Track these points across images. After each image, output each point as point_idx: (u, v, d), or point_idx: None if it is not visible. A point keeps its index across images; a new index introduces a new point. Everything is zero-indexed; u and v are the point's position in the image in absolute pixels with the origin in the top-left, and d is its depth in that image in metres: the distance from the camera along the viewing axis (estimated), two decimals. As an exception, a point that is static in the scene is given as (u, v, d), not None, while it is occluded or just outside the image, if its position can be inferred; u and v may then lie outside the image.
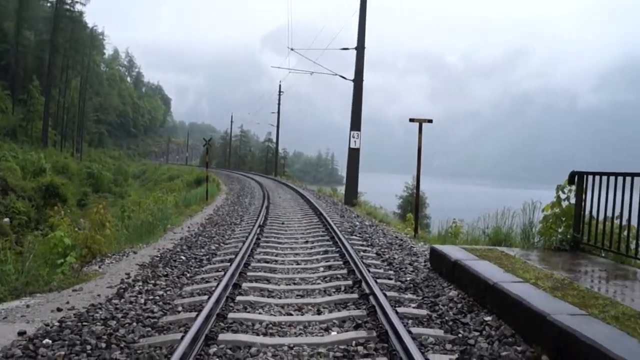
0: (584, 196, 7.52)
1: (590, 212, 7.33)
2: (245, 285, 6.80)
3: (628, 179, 6.38)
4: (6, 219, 25.05)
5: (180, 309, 5.89)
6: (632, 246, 6.73)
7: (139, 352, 4.53)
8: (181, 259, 9.03)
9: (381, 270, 7.91)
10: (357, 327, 5.18)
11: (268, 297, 6.43)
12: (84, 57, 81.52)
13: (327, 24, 34.63)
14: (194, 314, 5.36)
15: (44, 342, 4.65)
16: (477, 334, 4.86)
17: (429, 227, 20.81)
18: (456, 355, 4.39)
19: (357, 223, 14.39)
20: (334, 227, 11.75)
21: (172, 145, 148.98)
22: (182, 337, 4.45)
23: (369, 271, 7.14)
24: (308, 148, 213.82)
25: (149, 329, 5.18)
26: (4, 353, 4.39)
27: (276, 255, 9.27)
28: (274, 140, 74.91)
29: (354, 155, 23.11)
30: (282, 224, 13.85)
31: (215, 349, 4.57)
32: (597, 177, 7.10)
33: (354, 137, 22.57)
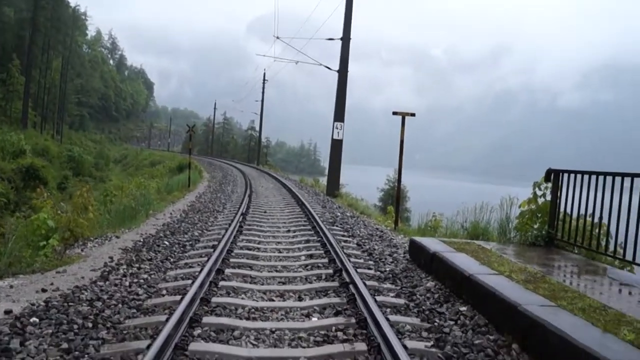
0: (559, 193, 7.76)
1: (565, 209, 7.57)
2: (228, 271, 6.95)
3: (601, 178, 6.61)
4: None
5: (164, 292, 6.02)
6: (603, 243, 7.01)
7: (124, 332, 4.66)
8: (164, 244, 9.14)
9: (361, 261, 8.10)
10: (337, 314, 5.36)
11: (250, 283, 6.58)
12: (66, 37, 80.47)
13: (313, 13, 34.57)
14: (178, 297, 5.50)
15: (31, 320, 4.77)
16: (452, 323, 5.07)
17: (409, 221, 21.02)
18: (431, 342, 4.59)
19: (339, 214, 14.57)
20: (316, 217, 11.92)
21: (154, 130, 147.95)
22: (167, 319, 4.59)
23: (349, 261, 7.32)
24: (291, 138, 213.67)
25: (134, 310, 5.31)
26: (-7, 329, 4.49)
27: (258, 243, 9.42)
28: (257, 128, 74.86)
29: (337, 146, 23.23)
30: (265, 212, 13.98)
31: (199, 331, 4.72)
32: (572, 175, 7.34)
33: (337, 128, 22.68)
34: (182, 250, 8.72)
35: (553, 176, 7.93)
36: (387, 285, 6.60)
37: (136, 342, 4.40)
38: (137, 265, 7.39)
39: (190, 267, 7.32)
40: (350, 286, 6.04)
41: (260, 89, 62.51)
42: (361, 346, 4.44)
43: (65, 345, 4.22)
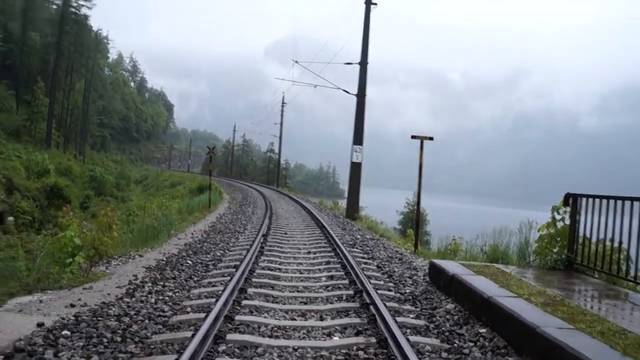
0: (577, 217, 7.80)
1: (584, 233, 7.61)
2: (250, 290, 7.09)
3: (620, 202, 6.66)
4: (11, 218, 25.31)
5: (189, 309, 6.17)
6: (624, 268, 7.03)
7: (152, 346, 4.82)
8: (188, 263, 9.32)
9: (381, 282, 8.19)
10: (358, 334, 5.46)
11: (273, 302, 6.71)
12: (89, 60, 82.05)
13: (331, 37, 35.11)
14: (202, 315, 5.64)
15: (63, 333, 4.96)
16: (471, 344, 5.14)
17: (429, 244, 21.08)
18: (451, 363, 4.67)
19: (359, 236, 14.67)
20: (336, 239, 12.03)
21: (174, 152, 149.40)
22: (193, 335, 4.73)
23: (369, 282, 7.41)
24: (310, 160, 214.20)
25: (161, 326, 5.47)
26: (26, 341, 4.68)
27: (280, 264, 9.55)
28: (276, 150, 75.38)
29: (356, 169, 23.39)
30: (285, 234, 14.13)
31: (224, 347, 4.85)
32: (591, 200, 7.39)
33: (356, 152, 22.88)
34: (205, 269, 8.88)
35: (571, 200, 7.98)
36: (407, 306, 6.69)
37: (163, 356, 4.56)
38: (161, 283, 7.57)
39: (214, 285, 7.47)
40: (371, 307, 6.14)
41: (279, 111, 63.20)
42: (382, 365, 4.54)
43: (96, 358, 4.39)
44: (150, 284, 7.47)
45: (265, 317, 6.00)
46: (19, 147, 49.66)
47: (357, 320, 5.90)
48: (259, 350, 4.87)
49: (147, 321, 5.58)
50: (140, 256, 10.46)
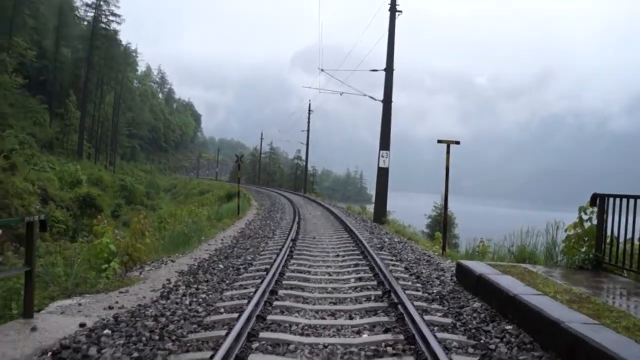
0: (605, 217, 7.83)
1: (612, 232, 7.63)
2: (281, 292, 7.28)
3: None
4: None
5: (222, 310, 6.39)
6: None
7: (188, 344, 5.04)
8: (219, 267, 9.57)
9: (409, 283, 8.31)
10: (386, 331, 5.60)
11: (303, 303, 6.89)
12: (118, 73, 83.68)
13: (356, 44, 35.17)
14: (235, 315, 5.84)
15: (104, 332, 5.23)
16: (497, 340, 5.25)
17: (457, 247, 21.03)
18: (477, 358, 4.79)
19: (386, 240, 14.78)
20: (364, 242, 12.17)
21: (202, 160, 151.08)
22: (227, 334, 4.94)
23: (397, 283, 7.55)
24: (337, 166, 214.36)
25: (196, 326, 5.69)
26: (71, 340, 4.95)
27: (309, 267, 9.73)
28: (303, 157, 75.76)
29: (383, 174, 23.50)
30: (314, 238, 14.31)
31: (257, 344, 5.04)
32: (618, 200, 7.42)
33: (383, 157, 22.99)
34: (237, 273, 9.10)
35: (599, 200, 8.01)
36: (435, 305, 6.81)
37: (200, 352, 4.77)
38: (195, 286, 7.82)
39: (245, 288, 7.68)
40: (399, 306, 6.27)
41: (305, 119, 63.51)
42: (410, 359, 4.68)
43: (136, 354, 4.62)
44: (184, 287, 7.72)
45: (296, 316, 6.18)
46: (52, 159, 50.85)
47: (386, 318, 6.04)
48: (291, 347, 5.04)
49: (182, 321, 5.81)
50: (172, 261, 10.73)
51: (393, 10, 23.24)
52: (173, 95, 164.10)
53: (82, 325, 5.49)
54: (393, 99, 23.68)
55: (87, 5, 73.54)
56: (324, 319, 6.19)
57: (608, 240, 7.79)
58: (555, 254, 9.21)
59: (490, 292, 6.50)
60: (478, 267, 7.64)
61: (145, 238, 12.29)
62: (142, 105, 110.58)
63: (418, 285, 8.20)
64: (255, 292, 6.68)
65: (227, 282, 8.30)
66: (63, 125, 63.79)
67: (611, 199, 7.68)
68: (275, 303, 6.62)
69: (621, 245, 7.38)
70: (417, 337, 5.11)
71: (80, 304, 6.75)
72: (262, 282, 7.32)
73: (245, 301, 6.50)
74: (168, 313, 6.11)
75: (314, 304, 6.87)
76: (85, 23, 76.28)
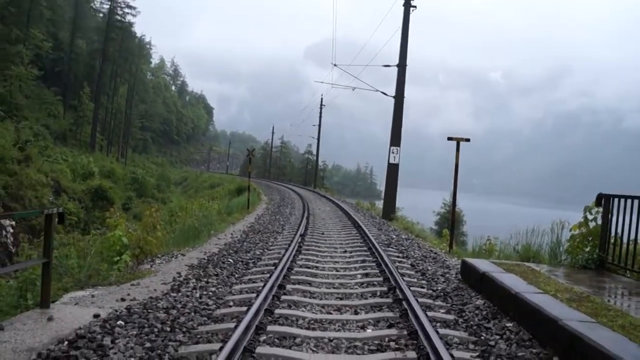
0: (610, 217, 7.92)
1: (616, 233, 7.73)
2: (289, 286, 7.46)
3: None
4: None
5: (231, 303, 6.58)
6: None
7: (198, 336, 5.23)
8: (229, 261, 9.76)
9: (414, 280, 8.47)
10: (390, 326, 5.77)
11: (310, 297, 7.07)
12: (132, 65, 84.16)
13: (370, 39, 35.23)
14: (244, 308, 6.03)
15: (118, 323, 5.43)
16: (498, 337, 5.40)
17: (465, 244, 21.13)
18: (477, 354, 4.95)
19: (394, 236, 14.92)
20: (372, 239, 12.32)
21: (213, 153, 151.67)
22: (236, 327, 5.12)
23: (403, 279, 7.71)
24: (347, 161, 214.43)
25: (206, 318, 5.89)
26: (86, 330, 5.15)
27: (317, 262, 9.91)
28: (314, 152, 75.90)
29: (393, 170, 23.61)
30: (322, 234, 14.48)
31: (265, 337, 5.23)
32: (623, 200, 7.52)
33: (393, 153, 23.10)
34: (246, 267, 9.30)
35: (604, 201, 8.11)
36: (439, 302, 6.97)
37: (209, 344, 4.96)
38: (205, 279, 8.02)
39: (254, 282, 7.87)
40: (403, 302, 6.43)
41: (317, 113, 63.65)
42: (411, 354, 4.85)
43: (148, 345, 4.82)
44: (194, 281, 7.91)
45: (302, 310, 6.36)
46: (65, 151, 51.35)
47: (390, 314, 6.21)
48: (297, 340, 5.22)
49: (193, 314, 6.00)
50: (183, 255, 10.92)
51: (407, 5, 23.26)
52: (186, 87, 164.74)
53: (96, 316, 5.70)
54: (405, 95, 23.76)
55: (103, -4, 74.15)
56: (330, 313, 6.36)
57: (612, 240, 7.90)
58: (560, 253, 9.32)
59: (493, 289, 6.65)
60: (482, 265, 7.78)
61: (156, 231, 12.52)
62: (155, 98, 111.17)
63: (423, 282, 8.36)
64: (263, 287, 6.86)
65: (237, 276, 8.50)
66: (76, 117, 64.29)
67: (616, 200, 7.77)
68: (283, 297, 6.80)
69: (625, 246, 7.48)
70: (419, 332, 5.26)
71: (93, 296, 6.95)
72: (270, 277, 7.50)
73: (254, 295, 6.69)
74: (179, 305, 6.30)
75: (321, 299, 7.05)
76: (101, 15, 76.84)
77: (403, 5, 23.34)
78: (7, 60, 44.28)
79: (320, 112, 63.03)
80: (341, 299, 7.15)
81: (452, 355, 4.57)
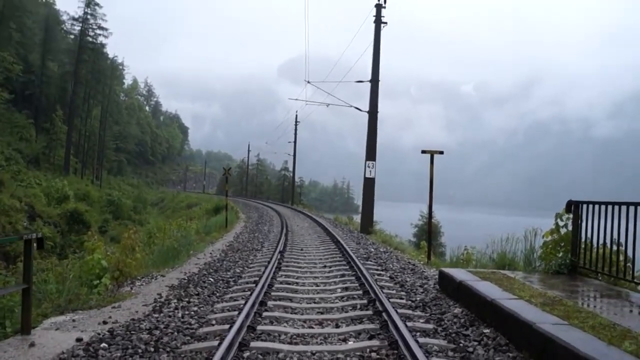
0: (579, 223, 8.17)
1: (586, 238, 7.98)
2: (270, 303, 7.54)
3: (617, 207, 7.03)
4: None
5: (214, 322, 6.64)
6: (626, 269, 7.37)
7: (182, 355, 5.29)
8: (209, 280, 9.80)
9: (394, 291, 8.61)
10: (371, 338, 5.89)
11: (291, 313, 7.16)
12: (105, 87, 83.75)
13: (343, 55, 35.64)
14: (227, 326, 6.09)
15: (101, 345, 5.46)
16: (475, 343, 5.56)
17: (443, 255, 21.35)
18: (456, 360, 5.09)
19: (373, 250, 15.07)
20: (350, 253, 12.45)
21: (190, 173, 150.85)
22: (219, 344, 5.20)
23: (382, 292, 7.84)
24: (324, 177, 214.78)
25: (189, 337, 5.94)
26: (69, 354, 5.18)
27: (297, 278, 10.00)
28: (290, 169, 76.02)
29: (369, 184, 23.83)
30: (301, 250, 14.57)
31: (248, 353, 5.31)
32: (591, 206, 7.77)
33: (369, 167, 23.33)
34: (226, 285, 9.35)
35: (573, 207, 8.37)
36: (418, 312, 7.11)
37: (194, 362, 5.01)
38: (186, 299, 8.05)
39: (235, 300, 7.93)
40: (383, 314, 6.56)
41: (292, 130, 63.90)
42: (393, 363, 4.96)
43: (133, 366, 4.86)
44: (175, 301, 7.94)
45: (284, 326, 6.44)
46: (39, 175, 50.80)
47: (371, 326, 6.33)
48: (280, 355, 5.31)
49: (176, 333, 6.05)
50: (163, 276, 10.91)
51: (378, 22, 23.65)
52: (160, 108, 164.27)
53: (78, 340, 5.71)
54: (379, 109, 24.06)
55: (73, 19, 73.82)
56: (312, 327, 6.46)
57: (583, 245, 8.14)
58: (534, 259, 9.55)
59: (470, 297, 6.81)
60: (459, 274, 7.95)
61: (135, 253, 12.50)
62: (128, 119, 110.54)
63: (402, 293, 8.50)
64: (245, 304, 6.93)
65: (218, 294, 8.55)
66: (49, 140, 63.66)
67: (585, 206, 8.03)
68: (265, 314, 6.87)
69: (596, 250, 7.72)
70: (400, 342, 5.39)
71: (74, 320, 6.95)
72: (251, 294, 7.57)
73: (236, 313, 6.75)
74: (162, 326, 6.34)
75: (302, 314, 7.14)
76: (72, 37, 76.41)
77: (374, 22, 23.73)
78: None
79: (296, 129, 63.32)
80: (322, 313, 7.25)
81: (431, 363, 4.70)
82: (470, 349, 5.36)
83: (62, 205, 37.17)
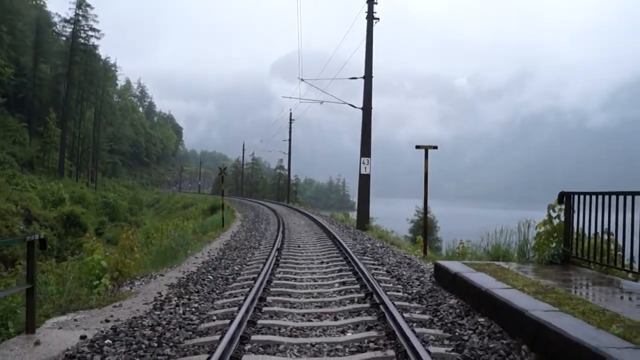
0: (572, 214, 8.34)
1: (578, 228, 8.14)
2: (269, 298, 7.68)
3: (608, 197, 7.19)
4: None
5: (215, 317, 6.77)
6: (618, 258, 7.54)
7: (185, 350, 5.42)
8: (208, 278, 9.92)
9: (390, 285, 8.77)
10: (369, 329, 6.03)
11: (290, 307, 7.30)
12: (98, 88, 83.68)
13: (336, 52, 35.78)
14: (227, 321, 6.22)
15: (105, 342, 5.58)
16: (471, 332, 5.71)
17: (440, 250, 21.55)
18: (452, 348, 5.25)
19: (369, 245, 15.21)
20: (347, 248, 12.59)
21: (185, 174, 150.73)
22: (221, 338, 5.32)
23: (379, 285, 7.99)
24: (319, 175, 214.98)
25: (191, 332, 6.07)
26: (74, 350, 5.30)
27: (295, 274, 10.13)
28: (286, 167, 76.18)
29: (364, 180, 23.95)
30: (298, 247, 14.71)
31: (249, 346, 5.44)
32: (583, 197, 7.93)
33: (364, 164, 23.46)
34: (226, 282, 9.47)
35: (565, 198, 8.53)
36: (414, 304, 7.26)
37: (197, 356, 5.16)
38: (186, 297, 8.18)
39: (235, 296, 8.06)
40: (381, 306, 6.70)
41: (287, 128, 63.99)
42: (391, 352, 5.11)
43: (138, 360, 4.99)
44: (176, 299, 8.06)
45: (284, 320, 6.58)
46: (33, 178, 50.80)
47: (368, 318, 6.47)
48: (281, 347, 5.45)
49: (178, 329, 6.18)
50: (162, 275, 11.02)
51: (370, 18, 23.74)
52: (154, 108, 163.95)
53: (82, 337, 5.84)
54: (373, 105, 24.18)
55: (65, 20, 73.71)
56: (311, 321, 6.60)
57: (575, 235, 8.30)
58: (528, 251, 9.72)
59: (465, 288, 6.97)
60: (454, 266, 8.11)
61: (134, 253, 12.63)
62: (122, 120, 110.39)
63: (399, 286, 8.65)
64: (244, 300, 7.06)
65: (217, 291, 8.67)
66: (43, 143, 63.64)
67: (576, 196, 8.19)
68: (265, 309, 7.01)
69: (587, 240, 7.88)
70: (397, 333, 5.53)
71: (76, 320, 7.06)
72: (250, 290, 7.70)
73: (236, 308, 6.88)
74: (164, 322, 6.47)
75: (301, 308, 7.28)
76: (64, 38, 76.30)
77: (366, 18, 23.82)
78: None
79: (290, 127, 63.41)
80: (320, 307, 7.39)
81: (428, 351, 4.84)
82: (466, 337, 5.51)
83: (58, 208, 37.24)
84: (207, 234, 21.31)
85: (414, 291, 8.16)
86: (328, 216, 33.94)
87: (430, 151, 14.02)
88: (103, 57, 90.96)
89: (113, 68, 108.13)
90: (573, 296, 5.75)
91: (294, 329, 6.14)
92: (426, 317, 6.49)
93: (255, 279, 8.88)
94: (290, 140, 64.16)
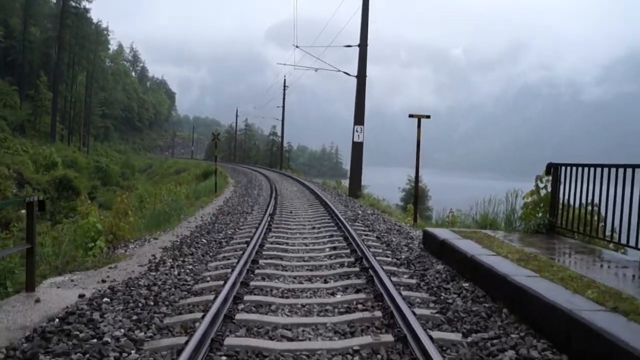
0: (558, 185, 8.55)
1: (564, 199, 8.36)
2: (261, 261, 7.89)
3: (593, 169, 7.39)
4: (22, 211, 26.15)
5: (208, 278, 6.98)
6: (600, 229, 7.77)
7: (181, 308, 5.63)
8: (202, 241, 10.12)
9: (380, 250, 9.00)
10: (357, 292, 6.26)
11: (282, 270, 7.52)
12: (90, 52, 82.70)
13: (331, 19, 35.56)
14: (221, 282, 6.43)
15: (104, 300, 5.79)
16: (455, 295, 5.96)
17: (430, 219, 21.83)
18: (437, 310, 5.49)
19: (360, 212, 15.44)
20: (339, 215, 12.80)
21: (177, 139, 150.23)
22: (215, 298, 5.53)
23: (369, 250, 8.21)
24: (313, 142, 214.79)
25: (186, 292, 6.29)
26: (74, 307, 5.50)
27: (287, 238, 10.35)
28: (279, 133, 76.12)
29: (357, 148, 24.08)
30: (291, 212, 14.92)
31: (242, 306, 5.66)
32: (569, 168, 8.13)
33: (357, 131, 23.56)
34: (219, 246, 9.68)
35: (553, 169, 8.73)
36: (402, 269, 7.50)
37: (192, 314, 5.36)
38: (180, 259, 8.39)
39: (228, 259, 8.28)
40: (370, 270, 6.92)
41: (280, 95, 63.74)
42: (378, 313, 5.34)
43: (135, 317, 5.21)
44: (170, 261, 8.27)
45: (276, 282, 6.80)
46: (25, 142, 50.58)
47: (358, 281, 6.70)
48: (272, 307, 5.67)
49: (173, 289, 6.39)
50: (155, 239, 11.19)
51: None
52: (146, 73, 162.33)
53: (81, 296, 6.04)
54: (367, 73, 24.18)
55: (55, -19, 72.48)
56: (302, 283, 6.82)
57: (561, 206, 8.53)
58: (514, 220, 9.97)
59: (452, 255, 7.20)
60: (442, 233, 8.34)
61: (128, 217, 12.80)
62: (114, 85, 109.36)
63: (388, 252, 8.89)
64: (238, 262, 7.27)
65: (211, 254, 8.88)
66: (34, 107, 63.22)
67: (563, 168, 8.39)
68: (257, 271, 7.22)
69: (572, 210, 8.10)
70: (384, 295, 5.76)
71: (72, 280, 7.25)
72: (243, 253, 7.91)
73: (229, 270, 7.09)
74: (159, 283, 6.68)
75: (292, 271, 7.50)
76: (54, 1, 75.12)
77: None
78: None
79: (284, 94, 63.18)
80: (311, 270, 7.62)
81: (413, 312, 5.07)
82: (450, 301, 5.76)
83: (51, 172, 37.28)
84: (200, 199, 21.45)
85: (403, 257, 8.40)
86: (320, 183, 34.14)
87: (423, 120, 14.16)
88: (95, 21, 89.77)
89: (105, 32, 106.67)
90: (554, 264, 5.98)
91: (286, 291, 6.36)
92: (413, 281, 6.73)
93: (248, 243, 9.08)
94: (283, 107, 64.02)
